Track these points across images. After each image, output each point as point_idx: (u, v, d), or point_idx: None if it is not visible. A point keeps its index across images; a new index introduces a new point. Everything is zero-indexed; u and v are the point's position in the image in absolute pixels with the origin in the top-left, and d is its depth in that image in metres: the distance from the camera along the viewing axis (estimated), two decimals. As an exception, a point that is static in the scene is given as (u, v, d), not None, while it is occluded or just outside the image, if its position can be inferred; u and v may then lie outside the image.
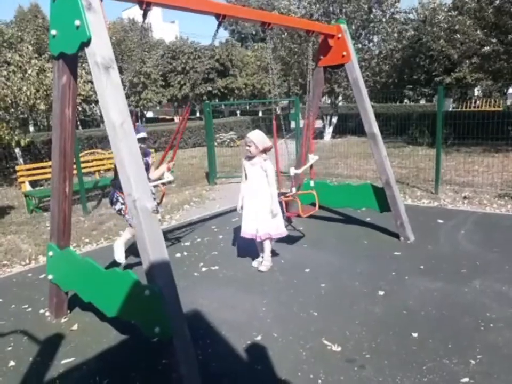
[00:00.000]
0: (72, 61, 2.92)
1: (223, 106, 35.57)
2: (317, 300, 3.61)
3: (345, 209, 6.01)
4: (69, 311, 3.59)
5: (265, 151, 4.13)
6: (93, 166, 9.60)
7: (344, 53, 4.79)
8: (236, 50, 34.60)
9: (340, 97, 18.95)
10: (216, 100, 32.62)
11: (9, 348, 3.12)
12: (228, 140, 17.15)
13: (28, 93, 9.22)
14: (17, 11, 29.44)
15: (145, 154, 4.03)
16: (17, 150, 10.41)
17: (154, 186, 4.31)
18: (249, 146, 4.06)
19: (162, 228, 5.72)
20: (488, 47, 12.75)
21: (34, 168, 8.47)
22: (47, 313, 3.60)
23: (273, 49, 16.80)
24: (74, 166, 5.19)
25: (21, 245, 5.60)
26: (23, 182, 8.08)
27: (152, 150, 10.71)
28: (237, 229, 4.90)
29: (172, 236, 5.66)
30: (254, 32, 49.28)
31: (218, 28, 3.54)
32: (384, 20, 16.76)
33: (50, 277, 3.41)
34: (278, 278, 4.10)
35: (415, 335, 2.96)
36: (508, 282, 3.70)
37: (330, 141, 17.50)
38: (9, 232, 6.27)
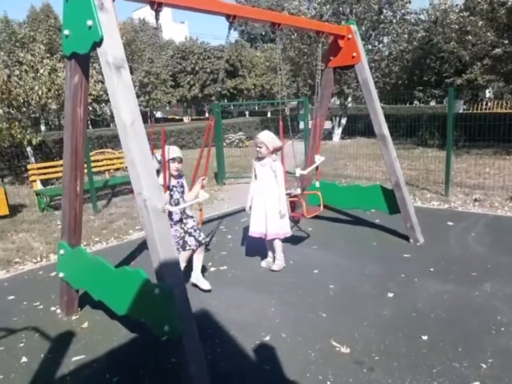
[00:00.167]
0: (84, 61, 2.95)
1: (232, 107, 35.64)
2: (325, 301, 3.60)
3: (354, 210, 5.98)
4: (79, 309, 3.62)
5: (275, 151, 4.14)
6: (103, 165, 9.69)
7: (354, 54, 4.78)
8: (245, 51, 34.66)
9: (349, 98, 18.88)
10: (225, 101, 32.70)
11: (21, 344, 3.15)
12: (237, 140, 17.19)
13: (40, 92, 9.34)
14: (30, 11, 29.79)
15: (179, 176, 3.87)
16: (28, 149, 10.55)
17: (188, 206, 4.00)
18: (260, 147, 4.06)
19: (171, 228, 5.73)
20: (500, 49, 12.61)
21: (45, 167, 8.58)
22: (58, 311, 3.64)
23: (283, 49, 16.79)
24: (85, 165, 5.23)
25: (32, 243, 5.67)
26: (35, 181, 8.18)
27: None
28: (246, 229, 4.91)
29: (180, 236, 5.68)
30: (263, 33, 49.33)
31: (230, 29, 3.56)
32: (394, 20, 16.68)
33: (61, 274, 3.45)
34: (286, 279, 4.10)
35: (424, 337, 2.94)
36: (520, 286, 3.66)
37: (340, 142, 17.44)
38: (21, 230, 6.34)
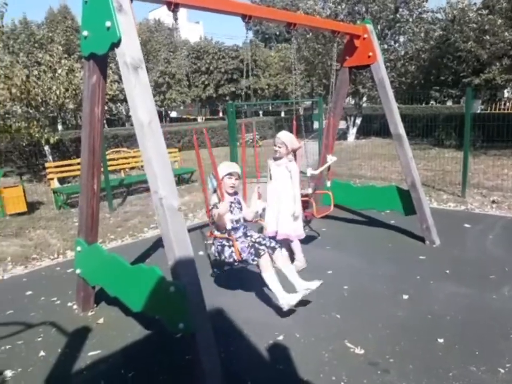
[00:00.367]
0: (102, 61, 3.00)
1: (245, 107, 35.67)
2: (339, 301, 3.59)
3: (369, 211, 5.94)
4: (95, 305, 3.68)
5: (292, 152, 4.14)
6: (118, 164, 9.81)
7: (370, 54, 4.74)
8: (259, 51, 34.67)
9: (364, 98, 18.74)
10: (239, 100, 32.75)
11: (39, 339, 3.22)
12: (250, 140, 17.20)
13: (58, 92, 9.49)
14: (48, 12, 30.32)
15: (235, 193, 3.69)
16: (46, 148, 10.74)
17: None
18: (279, 147, 4.03)
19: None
20: (519, 48, 12.36)
21: (62, 165, 8.74)
22: (75, 306, 3.70)
23: (297, 49, 16.75)
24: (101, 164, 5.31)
25: (49, 240, 5.77)
26: (52, 179, 8.34)
27: (176, 150, 10.90)
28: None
29: (194, 234, 5.72)
30: (277, 33, 49.24)
31: (247, 29, 3.57)
32: (411, 19, 16.48)
33: (78, 271, 3.51)
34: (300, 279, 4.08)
35: (440, 340, 2.91)
36: (539, 290, 3.59)
37: (354, 142, 17.32)
38: (39, 227, 6.47)
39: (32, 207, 7.67)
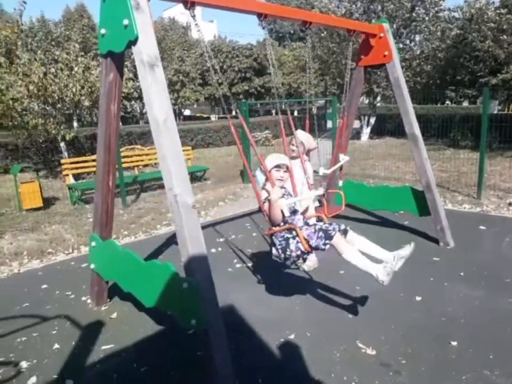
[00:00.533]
0: (119, 59, 3.03)
1: (258, 105, 35.66)
2: (351, 302, 3.57)
3: (382, 211, 5.89)
4: (108, 300, 3.73)
5: (308, 151, 4.12)
6: (132, 161, 9.90)
7: (386, 53, 4.70)
8: (273, 49, 34.61)
9: (379, 98, 18.58)
10: (253, 99, 32.74)
11: (54, 332, 3.28)
12: (263, 139, 17.20)
13: (74, 90, 9.62)
14: (65, 11, 30.73)
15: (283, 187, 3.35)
16: (62, 144, 10.89)
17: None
18: (297, 146, 3.98)
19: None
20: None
21: (77, 162, 8.86)
22: (89, 301, 3.76)
23: (312, 48, 16.68)
24: (116, 161, 5.36)
25: (64, 235, 5.86)
26: (67, 175, 8.46)
27: (189, 148, 10.96)
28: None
29: (207, 232, 5.75)
30: (291, 31, 49.10)
31: (264, 27, 3.57)
32: (427, 18, 16.27)
33: (92, 266, 3.56)
34: (312, 278, 4.08)
35: (454, 343, 2.87)
36: (556, 294, 3.52)
37: (368, 141, 17.18)
38: (54, 222, 6.57)
39: (48, 202, 7.79)
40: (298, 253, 3.01)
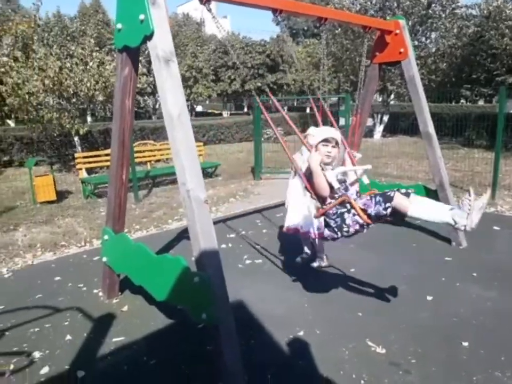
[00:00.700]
0: (135, 54, 3.05)
1: (270, 102, 35.52)
2: (361, 300, 3.56)
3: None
4: (120, 293, 3.77)
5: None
6: (144, 157, 9.97)
7: (402, 50, 4.65)
8: (286, 46, 34.43)
9: (392, 96, 18.39)
10: (265, 96, 32.66)
11: (66, 323, 3.33)
12: (274, 136, 17.17)
13: (88, 84, 9.71)
14: (80, 6, 30.98)
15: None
16: (76, 138, 11.02)
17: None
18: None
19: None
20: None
21: (90, 156, 8.95)
22: (100, 293, 3.81)
23: (325, 45, 16.59)
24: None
25: (77, 228, 5.94)
26: (80, 169, 8.56)
27: (201, 144, 10.99)
28: (281, 224, 4.91)
29: (217, 227, 5.75)
30: (305, 28, 48.78)
31: (278, 24, 3.55)
32: (443, 15, 16.04)
33: (104, 259, 3.60)
34: (322, 276, 4.08)
35: (465, 343, 2.85)
36: None
37: (380, 139, 17.03)
38: (67, 215, 6.66)
39: (61, 195, 7.90)
40: (357, 227, 2.71)
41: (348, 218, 2.68)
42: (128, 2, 2.68)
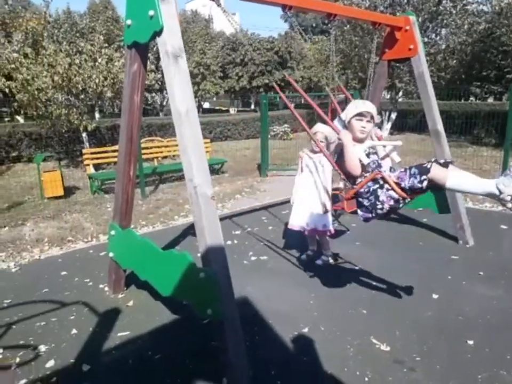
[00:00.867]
0: (144, 50, 3.06)
1: (278, 99, 35.47)
2: (366, 297, 3.55)
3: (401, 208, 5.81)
4: (125, 288, 3.80)
5: (329, 145, 4.08)
6: (151, 153, 10.00)
7: (411, 46, 4.60)
8: (294, 43, 34.30)
9: (400, 93, 18.24)
10: (272, 93, 32.58)
11: (72, 317, 3.36)
12: (281, 133, 17.13)
13: (97, 81, 9.74)
14: (90, 3, 31.06)
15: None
16: (84, 135, 11.07)
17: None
18: (322, 141, 3.83)
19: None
20: None
21: (98, 152, 9.01)
22: (106, 288, 3.84)
23: (334, 41, 16.49)
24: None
25: (84, 223, 5.98)
26: (88, 165, 8.62)
27: (208, 140, 11.01)
28: (287, 221, 4.91)
29: (223, 224, 5.76)
30: (314, 25, 48.53)
31: (286, 20, 3.53)
32: (454, 11, 15.85)
33: (111, 254, 3.63)
34: (327, 273, 4.07)
35: (470, 342, 2.84)
36: None
37: (388, 137, 16.91)
38: (74, 210, 6.71)
39: (69, 191, 7.96)
40: (391, 203, 2.48)
41: (382, 194, 2.49)
42: (138, -2, 2.68)
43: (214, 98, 42.94)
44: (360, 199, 2.63)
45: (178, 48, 2.52)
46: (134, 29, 2.84)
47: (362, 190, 2.57)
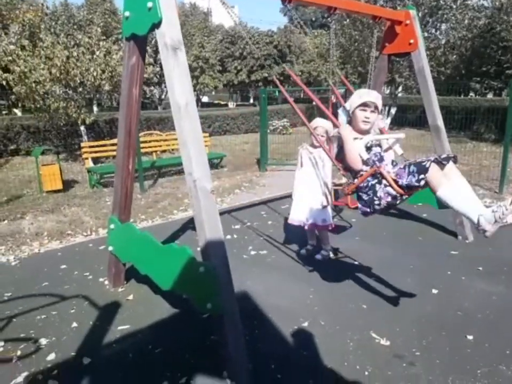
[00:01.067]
0: (142, 42, 3.03)
1: (277, 93, 35.35)
2: (366, 292, 3.55)
3: (400, 203, 5.81)
4: (125, 282, 3.79)
5: (329, 139, 4.07)
6: (150, 147, 9.97)
7: (412, 41, 4.58)
8: (294, 37, 34.14)
9: (400, 88, 18.19)
10: (271, 87, 32.47)
11: (72, 311, 3.36)
12: (281, 127, 17.09)
13: (95, 74, 9.67)
14: (88, -5, 30.79)
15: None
16: (82, 128, 11.02)
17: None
18: (322, 136, 3.85)
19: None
20: None
21: (96, 146, 8.97)
22: (106, 282, 3.83)
23: (334, 35, 16.40)
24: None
25: (83, 217, 5.97)
26: (87, 158, 8.59)
27: (207, 134, 10.98)
28: (286, 216, 4.91)
29: (222, 218, 5.75)
30: (313, 19, 48.30)
31: (285, 14, 3.50)
32: (454, 6, 15.77)
33: (110, 248, 3.62)
34: (326, 268, 4.07)
35: (470, 337, 2.84)
36: None
37: (388, 131, 16.90)
38: (73, 204, 6.69)
39: (68, 185, 7.93)
40: (389, 199, 2.48)
41: (380, 190, 2.48)
42: (136, -11, 2.65)
43: (213, 92, 42.78)
44: (360, 193, 2.63)
45: (177, 40, 2.49)
46: (132, 21, 2.81)
47: (362, 184, 2.57)
